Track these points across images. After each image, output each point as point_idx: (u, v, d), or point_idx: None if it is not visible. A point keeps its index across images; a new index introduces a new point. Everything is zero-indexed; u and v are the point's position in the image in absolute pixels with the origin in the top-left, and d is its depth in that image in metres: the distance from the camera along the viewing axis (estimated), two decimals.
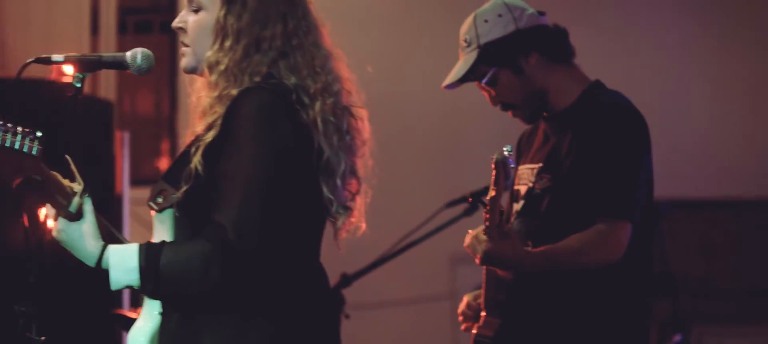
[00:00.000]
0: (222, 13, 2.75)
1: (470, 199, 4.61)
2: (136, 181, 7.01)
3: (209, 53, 2.75)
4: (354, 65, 2.92)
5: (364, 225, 2.86)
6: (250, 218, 2.57)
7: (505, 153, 3.47)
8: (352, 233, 2.85)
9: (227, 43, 2.73)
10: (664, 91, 7.56)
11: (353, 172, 2.81)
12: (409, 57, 7.74)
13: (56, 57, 2.77)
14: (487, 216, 3.47)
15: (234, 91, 2.67)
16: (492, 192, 3.46)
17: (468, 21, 3.73)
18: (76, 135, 2.79)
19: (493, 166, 3.45)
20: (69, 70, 3.05)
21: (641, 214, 3.55)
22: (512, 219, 3.72)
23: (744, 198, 7.51)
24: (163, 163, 8.08)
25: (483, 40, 3.68)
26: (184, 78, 7.99)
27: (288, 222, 2.66)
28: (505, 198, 4.01)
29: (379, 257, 5.23)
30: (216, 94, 2.70)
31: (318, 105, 2.71)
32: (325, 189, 2.72)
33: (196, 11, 2.80)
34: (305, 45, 2.78)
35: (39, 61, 2.78)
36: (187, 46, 2.82)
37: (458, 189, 4.77)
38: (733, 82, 7.60)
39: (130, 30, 8.11)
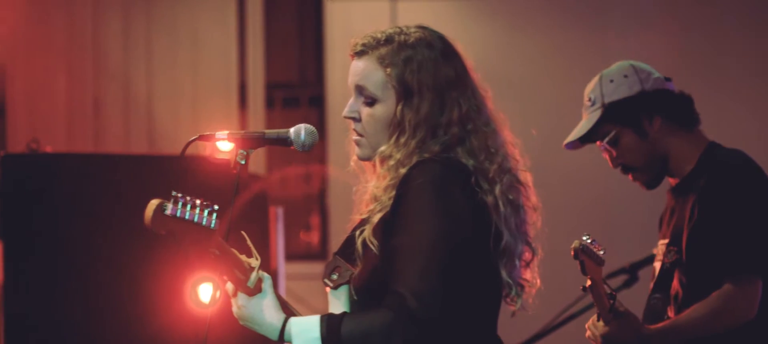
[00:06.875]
0: (399, 107, 2.75)
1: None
2: (288, 256, 7.03)
3: (384, 147, 2.75)
4: (516, 128, 2.88)
5: (538, 282, 2.83)
6: (431, 286, 2.53)
7: (585, 240, 3.38)
8: (525, 302, 2.81)
9: (402, 139, 2.73)
10: None
11: (527, 243, 2.79)
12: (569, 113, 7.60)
13: (220, 134, 2.77)
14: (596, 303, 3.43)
15: (403, 170, 2.67)
16: (587, 282, 3.41)
17: (594, 80, 3.75)
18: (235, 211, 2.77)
19: (573, 256, 3.37)
20: (227, 146, 3.02)
21: None
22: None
23: None
24: (314, 238, 8.09)
25: (607, 100, 3.68)
26: (333, 152, 7.91)
27: (467, 292, 2.64)
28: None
29: (541, 329, 5.01)
30: (384, 184, 2.70)
31: (497, 188, 2.70)
32: (503, 273, 2.71)
33: (370, 103, 2.78)
34: (478, 126, 2.77)
35: (203, 138, 2.79)
36: (361, 136, 2.80)
37: (619, 255, 4.59)
38: None
39: (278, 105, 8.18)
